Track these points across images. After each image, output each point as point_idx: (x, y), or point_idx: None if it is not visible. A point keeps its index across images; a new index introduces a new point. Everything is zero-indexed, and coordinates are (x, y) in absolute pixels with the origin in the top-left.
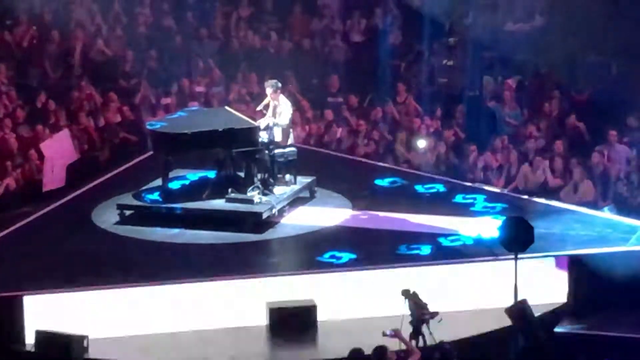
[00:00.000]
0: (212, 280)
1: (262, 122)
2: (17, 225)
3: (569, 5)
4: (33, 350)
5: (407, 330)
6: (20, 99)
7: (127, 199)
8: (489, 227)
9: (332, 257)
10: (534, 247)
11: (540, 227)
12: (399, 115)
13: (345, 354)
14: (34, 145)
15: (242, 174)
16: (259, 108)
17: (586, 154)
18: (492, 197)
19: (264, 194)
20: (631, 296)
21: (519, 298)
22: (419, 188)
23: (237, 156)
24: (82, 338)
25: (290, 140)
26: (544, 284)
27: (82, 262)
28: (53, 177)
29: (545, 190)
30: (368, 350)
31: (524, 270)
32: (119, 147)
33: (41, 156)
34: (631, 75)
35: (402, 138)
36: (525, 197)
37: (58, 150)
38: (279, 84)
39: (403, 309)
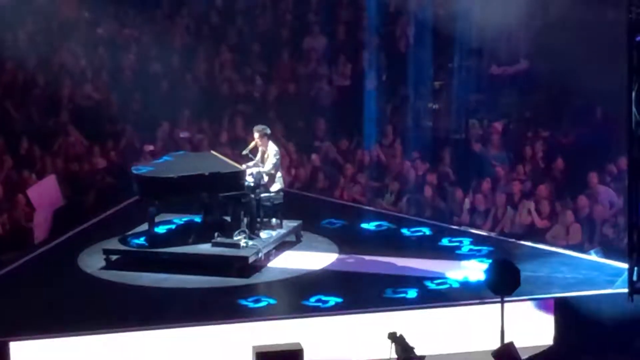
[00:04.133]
0: (198, 325)
1: (249, 170)
2: (3, 270)
3: (553, 49)
4: None
5: None
6: (6, 144)
7: (113, 243)
8: (475, 270)
9: (319, 301)
10: (521, 290)
11: (526, 270)
12: (385, 158)
13: None
14: (20, 191)
15: (228, 218)
16: (244, 152)
17: (572, 196)
18: (478, 240)
19: (250, 238)
20: (617, 339)
21: (506, 341)
22: (405, 231)
23: (223, 200)
24: None
25: (280, 185)
26: (530, 326)
27: (68, 307)
28: (44, 227)
29: (532, 233)
30: None
31: (510, 312)
32: (105, 191)
33: (28, 203)
34: (616, 119)
35: (389, 181)
36: (512, 240)
37: (45, 197)
38: (268, 130)
39: (390, 352)
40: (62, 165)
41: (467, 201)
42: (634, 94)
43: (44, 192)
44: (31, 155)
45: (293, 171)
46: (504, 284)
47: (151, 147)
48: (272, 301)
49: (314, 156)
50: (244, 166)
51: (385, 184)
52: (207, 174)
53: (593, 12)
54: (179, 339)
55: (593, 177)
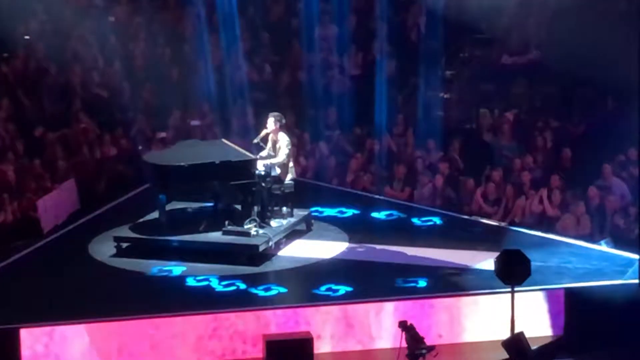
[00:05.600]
0: (208, 312)
1: (260, 162)
2: (14, 257)
3: (565, 39)
4: None
5: None
6: (17, 131)
7: (124, 231)
8: (486, 259)
9: (329, 289)
10: (531, 280)
11: (536, 260)
12: (397, 147)
13: None
14: (32, 178)
15: (239, 207)
16: (255, 140)
17: (582, 187)
18: (489, 230)
19: (261, 227)
20: (627, 329)
21: (516, 331)
22: (416, 221)
23: (234, 189)
24: None
25: (292, 175)
26: (540, 316)
27: (78, 294)
28: (48, 218)
29: (543, 222)
30: None
31: (521, 302)
32: (116, 179)
33: (38, 191)
34: (627, 110)
35: (400, 170)
36: (522, 229)
37: (61, 202)
38: (283, 119)
39: (400, 341)
40: (73, 152)
41: (477, 191)
42: None
43: (62, 199)
44: (43, 142)
45: (303, 160)
46: (514, 273)
47: (163, 134)
48: (282, 290)
49: (322, 144)
50: (256, 156)
51: (393, 173)
52: (217, 162)
53: (604, 3)
54: (188, 326)
55: (607, 168)
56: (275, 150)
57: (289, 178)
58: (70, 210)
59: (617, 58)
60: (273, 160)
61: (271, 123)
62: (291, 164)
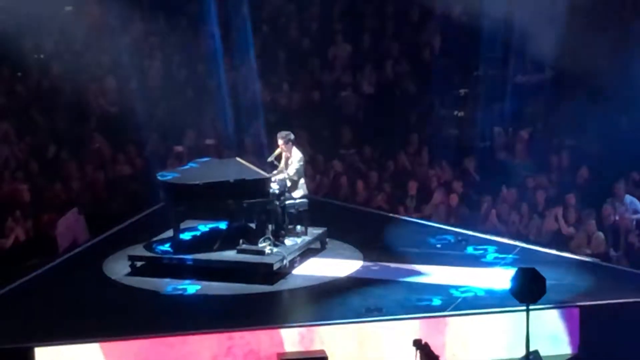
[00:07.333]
0: (223, 331)
1: (275, 177)
2: (28, 276)
3: (578, 59)
4: None
5: None
6: (32, 150)
7: (139, 250)
8: (500, 278)
9: (343, 308)
10: (546, 299)
11: (551, 278)
12: (411, 166)
13: None
14: (47, 197)
15: (253, 225)
16: (269, 159)
17: (596, 205)
18: (503, 248)
19: (275, 245)
20: None
21: (531, 349)
22: (430, 239)
23: (248, 207)
24: None
25: (303, 192)
26: (555, 335)
27: (93, 313)
28: (67, 236)
29: (557, 241)
30: None
31: (536, 321)
32: (130, 198)
33: (53, 210)
34: None
35: (414, 189)
36: (537, 247)
37: (71, 233)
38: (291, 136)
39: None
40: (88, 172)
41: (492, 209)
42: None
43: (72, 229)
44: (57, 161)
45: (318, 177)
46: (529, 292)
47: (180, 149)
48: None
49: (336, 163)
50: (270, 174)
51: (408, 192)
52: (232, 180)
53: (618, 23)
54: (203, 345)
55: (620, 185)
56: (288, 167)
57: (299, 194)
58: (82, 240)
59: (633, 76)
60: (286, 176)
61: (281, 142)
62: (302, 181)
